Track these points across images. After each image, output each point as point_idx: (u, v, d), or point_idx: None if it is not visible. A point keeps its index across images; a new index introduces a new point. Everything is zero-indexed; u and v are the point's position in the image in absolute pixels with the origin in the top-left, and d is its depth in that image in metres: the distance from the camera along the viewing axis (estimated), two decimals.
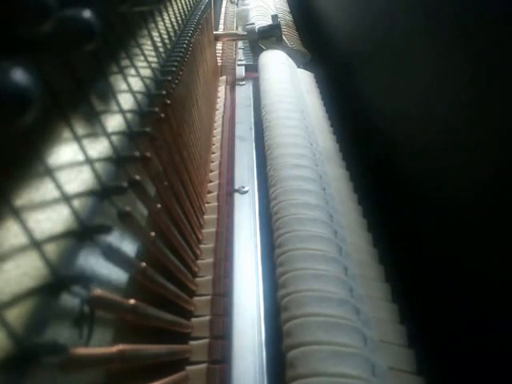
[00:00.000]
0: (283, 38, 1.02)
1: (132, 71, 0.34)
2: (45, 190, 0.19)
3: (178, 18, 0.54)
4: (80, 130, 0.23)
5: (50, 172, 0.20)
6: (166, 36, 0.46)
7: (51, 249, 0.19)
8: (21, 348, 0.16)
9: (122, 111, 0.30)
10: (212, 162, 0.66)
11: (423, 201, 0.50)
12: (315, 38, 1.09)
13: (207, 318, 0.40)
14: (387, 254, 0.49)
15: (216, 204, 0.55)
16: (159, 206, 0.33)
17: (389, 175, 0.59)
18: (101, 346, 0.23)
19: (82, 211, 0.22)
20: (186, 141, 0.48)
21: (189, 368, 0.36)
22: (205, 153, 0.62)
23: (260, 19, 1.10)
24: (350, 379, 0.33)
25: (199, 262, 0.46)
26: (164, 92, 0.38)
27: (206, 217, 0.53)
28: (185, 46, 0.49)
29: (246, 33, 0.99)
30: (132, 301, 0.25)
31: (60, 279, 0.19)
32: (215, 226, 0.52)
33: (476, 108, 0.39)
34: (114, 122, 0.28)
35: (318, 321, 0.36)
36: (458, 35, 0.42)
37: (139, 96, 0.34)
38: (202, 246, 0.48)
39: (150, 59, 0.39)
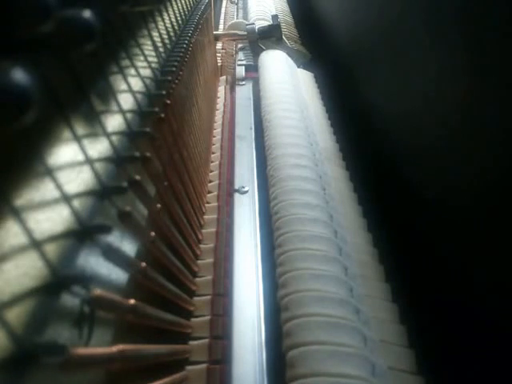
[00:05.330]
0: (283, 37, 1.02)
1: (132, 71, 0.34)
2: (45, 189, 0.19)
3: (178, 18, 0.54)
4: (80, 129, 0.23)
5: (50, 172, 0.20)
6: (166, 36, 0.46)
7: (51, 249, 0.19)
8: (21, 348, 0.16)
9: (122, 111, 0.30)
10: (212, 162, 0.66)
11: (423, 200, 0.50)
12: (315, 38, 1.09)
13: (207, 317, 0.40)
14: (387, 253, 0.49)
15: (216, 204, 0.55)
16: (159, 205, 0.33)
17: (389, 175, 0.59)
18: (101, 346, 0.23)
19: (82, 211, 0.22)
20: (186, 141, 0.48)
21: (189, 368, 0.36)
22: (205, 153, 0.62)
23: (260, 19, 1.10)
24: (349, 379, 0.33)
25: (199, 261, 0.46)
26: (164, 92, 0.38)
27: (206, 217, 0.53)
28: (185, 46, 0.49)
29: (245, 33, 0.99)
30: (132, 301, 0.25)
31: (60, 279, 0.19)
32: (215, 226, 0.51)
33: (476, 108, 0.39)
34: (114, 122, 0.28)
35: (318, 321, 0.36)
36: (459, 35, 0.42)
37: (139, 96, 0.34)
38: (202, 245, 0.48)
39: (150, 59, 0.39)
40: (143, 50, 0.37)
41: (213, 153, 0.68)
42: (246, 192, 0.58)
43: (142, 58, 0.37)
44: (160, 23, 0.45)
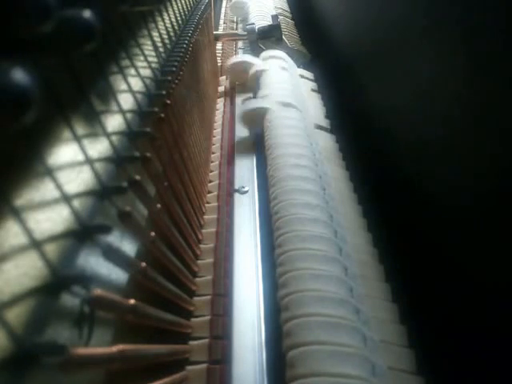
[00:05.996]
0: (283, 37, 1.02)
1: (132, 71, 0.34)
2: (45, 189, 0.19)
3: (178, 18, 0.54)
4: (80, 129, 0.23)
5: (50, 172, 0.20)
6: (166, 36, 0.46)
7: (51, 249, 0.19)
8: (21, 348, 0.16)
9: (122, 111, 0.30)
10: (212, 161, 0.66)
11: (423, 200, 0.50)
12: (315, 38, 1.09)
13: (207, 317, 0.40)
14: (387, 253, 0.49)
15: (216, 204, 0.55)
16: (159, 205, 0.33)
17: (389, 175, 0.59)
18: (101, 346, 0.23)
19: (82, 211, 0.22)
20: (186, 141, 0.48)
21: (189, 368, 0.36)
22: (205, 153, 0.62)
23: (260, 19, 1.10)
24: (349, 379, 0.33)
25: (199, 261, 0.46)
26: (164, 92, 0.38)
27: (206, 217, 0.53)
28: (185, 46, 0.49)
29: (245, 33, 0.99)
30: (132, 301, 0.25)
31: (60, 279, 0.19)
32: (215, 226, 0.51)
33: (476, 108, 0.39)
34: (114, 122, 0.28)
35: (318, 321, 0.36)
36: (458, 35, 0.42)
37: (139, 96, 0.34)
38: (202, 245, 0.48)
39: (150, 59, 0.39)
40: (143, 49, 0.37)
41: (213, 153, 0.68)
42: (246, 192, 0.58)
43: (142, 57, 0.37)
44: (160, 23, 0.45)
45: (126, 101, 0.31)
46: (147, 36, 0.39)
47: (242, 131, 0.72)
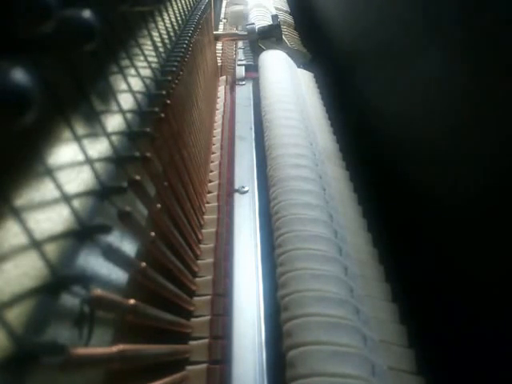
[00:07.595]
0: (283, 37, 1.02)
1: (132, 71, 0.34)
2: (45, 189, 0.19)
3: (178, 18, 0.54)
4: (80, 129, 0.23)
5: (50, 172, 0.20)
6: (166, 36, 0.46)
7: (51, 249, 0.19)
8: (21, 348, 0.16)
9: (122, 111, 0.30)
10: (212, 162, 0.66)
11: (423, 201, 0.50)
12: (315, 38, 1.09)
13: (207, 317, 0.40)
14: (387, 253, 0.49)
15: (216, 204, 0.55)
16: (159, 205, 0.33)
17: (389, 175, 0.59)
18: (101, 346, 0.23)
19: (82, 211, 0.22)
20: (186, 141, 0.48)
21: (189, 368, 0.36)
22: (205, 153, 0.62)
23: (260, 19, 1.10)
24: (349, 379, 0.33)
25: (199, 261, 0.46)
26: (164, 92, 0.38)
27: (206, 217, 0.53)
28: (185, 45, 0.49)
29: (245, 33, 0.99)
30: (132, 301, 0.25)
31: (60, 279, 0.19)
32: (215, 226, 0.51)
33: (476, 109, 0.39)
34: (114, 122, 0.28)
35: (318, 321, 0.36)
36: (459, 36, 0.42)
37: (139, 96, 0.34)
38: (202, 245, 0.48)
39: (150, 59, 0.39)
40: (143, 49, 0.37)
41: (213, 153, 0.68)
42: (246, 192, 0.58)
43: (142, 57, 0.37)
44: (160, 23, 0.45)
45: (126, 101, 0.31)
46: (147, 36, 0.39)
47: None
